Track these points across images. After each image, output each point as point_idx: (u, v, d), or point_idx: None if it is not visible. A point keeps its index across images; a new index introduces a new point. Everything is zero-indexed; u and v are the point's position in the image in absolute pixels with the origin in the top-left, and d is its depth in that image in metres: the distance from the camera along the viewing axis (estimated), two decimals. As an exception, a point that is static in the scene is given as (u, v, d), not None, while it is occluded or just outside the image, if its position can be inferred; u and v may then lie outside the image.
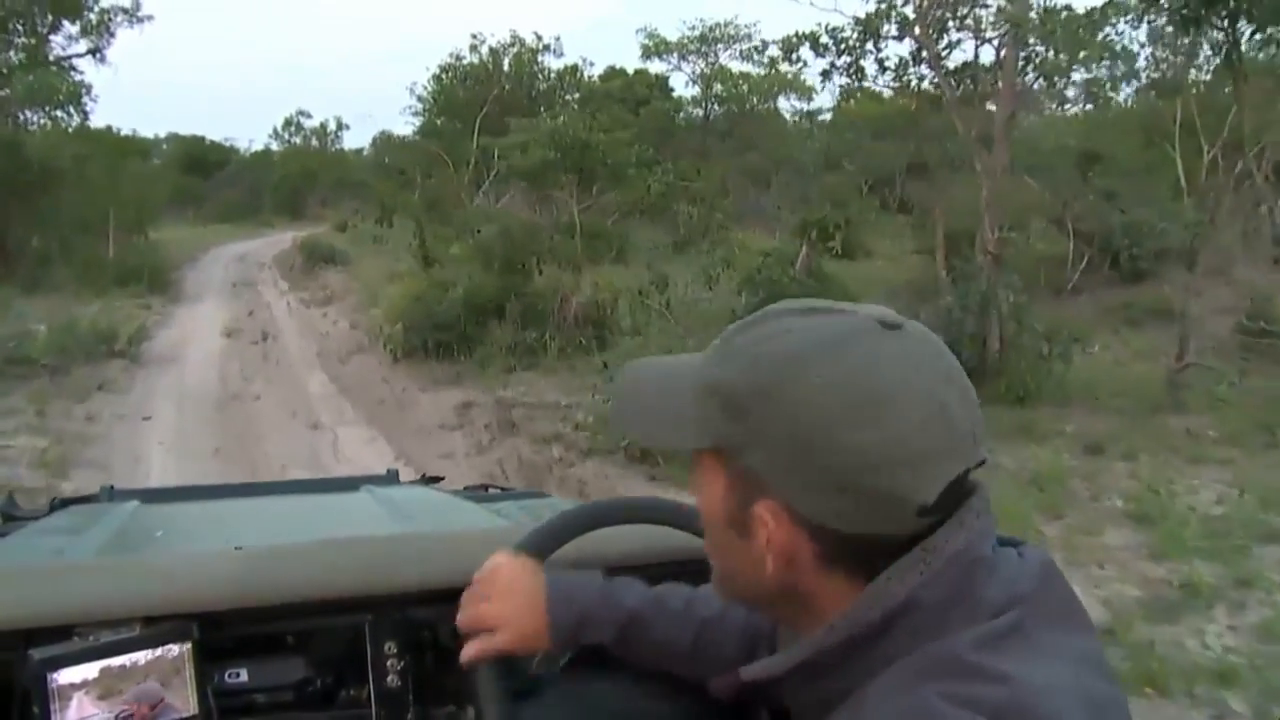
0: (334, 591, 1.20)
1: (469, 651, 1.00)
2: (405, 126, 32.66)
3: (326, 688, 1.21)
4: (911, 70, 9.59)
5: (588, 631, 1.01)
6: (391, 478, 2.58)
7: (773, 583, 0.73)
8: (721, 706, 0.97)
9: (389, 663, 1.21)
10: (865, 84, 9.75)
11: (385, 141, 40.38)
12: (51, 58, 22.81)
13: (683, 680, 1.04)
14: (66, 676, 1.04)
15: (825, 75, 9.75)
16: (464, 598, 1.03)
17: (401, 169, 34.10)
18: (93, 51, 24.34)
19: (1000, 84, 9.02)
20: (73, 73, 22.24)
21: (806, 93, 30.44)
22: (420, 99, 31.78)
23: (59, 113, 19.41)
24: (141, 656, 1.08)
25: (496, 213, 14.07)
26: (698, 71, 28.27)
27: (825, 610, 0.71)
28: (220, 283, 20.84)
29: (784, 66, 9.11)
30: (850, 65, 9.61)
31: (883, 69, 9.51)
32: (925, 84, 9.81)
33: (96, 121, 25.72)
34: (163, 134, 49.85)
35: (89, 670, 1.05)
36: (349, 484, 2.39)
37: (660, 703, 1.07)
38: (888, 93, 9.79)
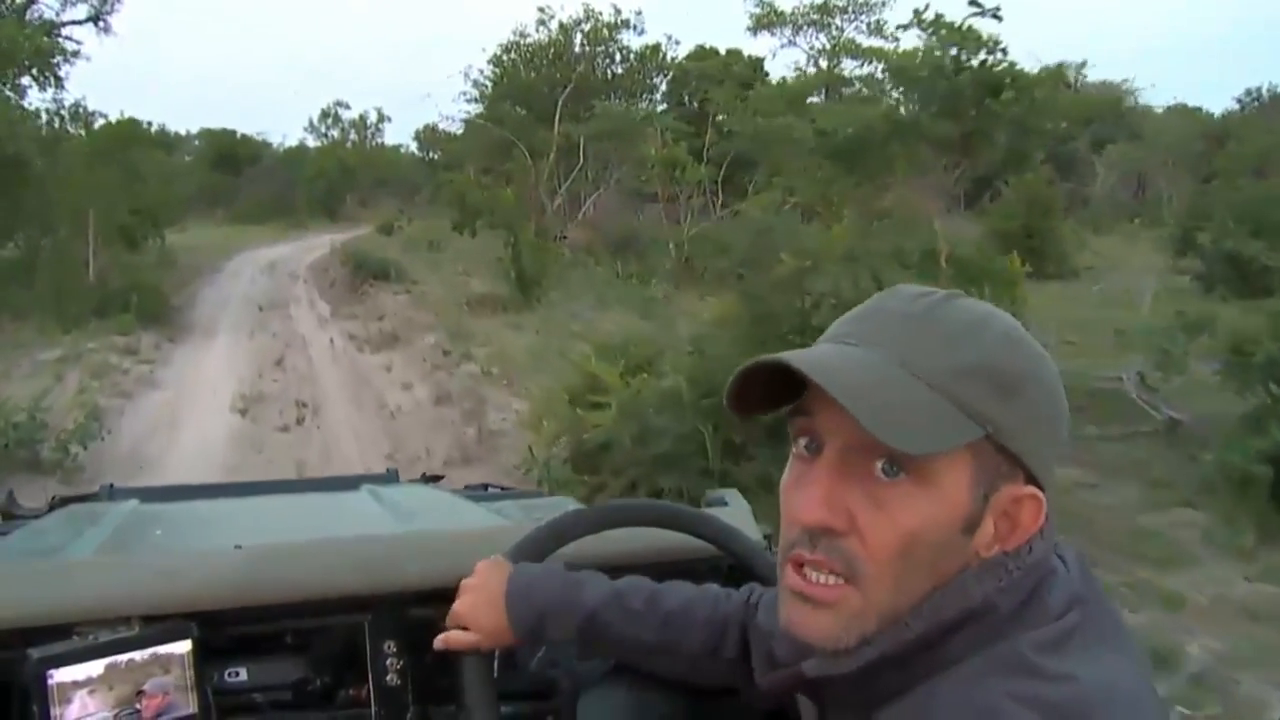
0: (333, 591, 1.19)
1: (437, 641, 1.05)
2: (459, 115, 29.51)
3: (326, 687, 1.20)
4: None
5: (548, 629, 1.04)
6: (391, 476, 2.46)
7: (966, 584, 0.71)
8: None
9: (388, 662, 1.19)
10: None
11: (430, 133, 34.28)
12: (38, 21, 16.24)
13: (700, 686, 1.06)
14: (65, 675, 1.03)
15: None
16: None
17: (448, 164, 30.16)
18: (94, 19, 19.21)
19: None
20: (64, 39, 16.09)
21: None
22: (477, 84, 27.77)
23: (26, 81, 13.20)
24: (141, 655, 1.07)
25: (784, 228, 7.46)
26: (816, 47, 21.80)
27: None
28: (242, 304, 15.22)
29: None
30: None
31: None
32: None
33: (121, 114, 21.77)
34: (195, 130, 46.66)
35: (88, 669, 1.04)
36: (349, 483, 2.28)
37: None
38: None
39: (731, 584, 1.11)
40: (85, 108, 19.93)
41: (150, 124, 27.36)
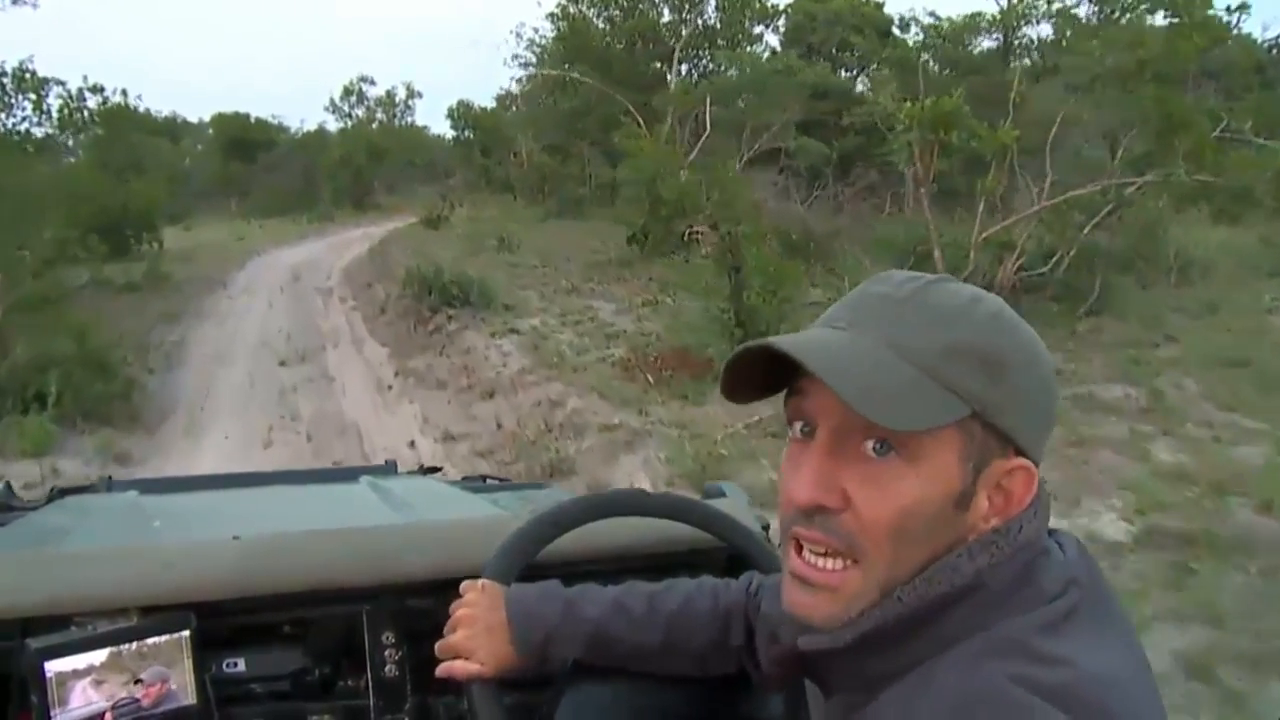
0: (332, 581, 1.19)
1: (441, 670, 1.04)
2: (516, 78, 23.63)
3: (324, 677, 1.20)
4: None
5: (554, 649, 1.05)
6: (390, 468, 2.39)
7: (959, 561, 0.74)
8: (727, 694, 1.07)
9: (387, 652, 1.17)
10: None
11: (466, 111, 28.27)
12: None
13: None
14: (64, 665, 1.02)
15: None
16: (446, 629, 1.08)
17: (485, 146, 27.01)
18: (39, -42, 16.71)
19: None
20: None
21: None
22: (532, 44, 21.84)
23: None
24: (139, 645, 1.06)
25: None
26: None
27: None
28: (253, 354, 10.59)
29: None
30: None
31: None
32: None
33: (85, 80, 17.27)
34: (207, 118, 41.67)
35: (87, 659, 1.03)
36: (348, 474, 2.25)
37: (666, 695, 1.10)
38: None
39: (731, 575, 1.12)
40: (33, 72, 14.12)
41: (143, 106, 21.27)
